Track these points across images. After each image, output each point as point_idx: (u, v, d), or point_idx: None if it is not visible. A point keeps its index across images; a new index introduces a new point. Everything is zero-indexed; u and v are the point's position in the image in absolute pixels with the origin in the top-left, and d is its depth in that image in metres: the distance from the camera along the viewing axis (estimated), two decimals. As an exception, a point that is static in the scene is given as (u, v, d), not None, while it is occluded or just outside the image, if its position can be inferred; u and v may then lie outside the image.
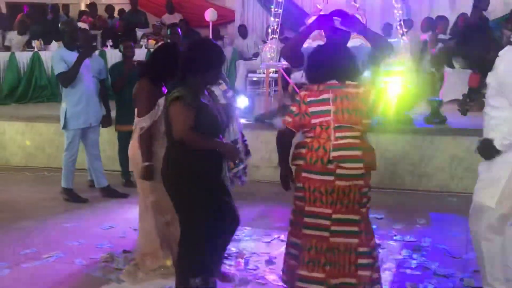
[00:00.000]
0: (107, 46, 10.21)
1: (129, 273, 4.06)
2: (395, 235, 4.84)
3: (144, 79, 4.04)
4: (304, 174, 3.28)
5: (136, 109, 4.04)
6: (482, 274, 3.44)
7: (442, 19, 9.26)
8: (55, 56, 5.91)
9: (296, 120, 3.29)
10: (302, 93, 3.35)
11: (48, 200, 6.15)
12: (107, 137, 6.97)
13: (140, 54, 9.34)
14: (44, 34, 10.50)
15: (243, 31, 10.78)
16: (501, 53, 3.24)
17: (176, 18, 11.35)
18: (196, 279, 3.29)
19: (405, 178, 6.31)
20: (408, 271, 4.09)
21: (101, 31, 11.13)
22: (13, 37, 10.81)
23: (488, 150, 3.29)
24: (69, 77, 5.69)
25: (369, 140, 3.33)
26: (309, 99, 3.27)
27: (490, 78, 3.27)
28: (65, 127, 5.88)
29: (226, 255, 4.34)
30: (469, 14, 9.32)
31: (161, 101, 3.80)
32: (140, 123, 3.95)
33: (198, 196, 3.28)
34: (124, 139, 6.26)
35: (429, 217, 5.36)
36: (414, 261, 4.25)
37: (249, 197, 5.86)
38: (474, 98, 3.58)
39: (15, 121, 8.08)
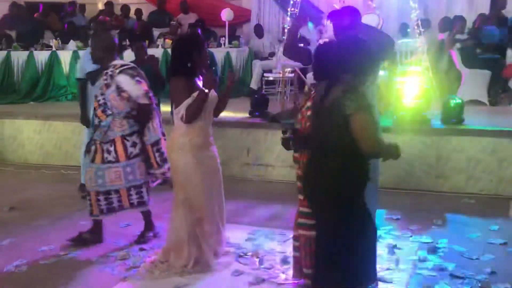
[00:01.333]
0: (123, 45, 10.27)
1: (146, 270, 4.10)
2: (411, 236, 4.82)
3: (175, 77, 4.09)
4: None
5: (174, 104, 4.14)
6: None
7: (460, 19, 9.19)
8: (86, 56, 5.87)
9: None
10: (313, 93, 3.41)
11: (65, 198, 6.21)
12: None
13: (156, 53, 9.37)
14: (31, 33, 10.61)
15: (259, 31, 10.77)
16: None
17: (191, 17, 11.37)
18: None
19: (422, 179, 6.27)
20: (425, 272, 4.07)
21: (118, 30, 11.19)
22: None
23: None
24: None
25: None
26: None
27: None
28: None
29: (242, 254, 4.37)
30: (487, 13, 9.26)
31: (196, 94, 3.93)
32: (178, 114, 4.01)
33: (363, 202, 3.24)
34: None
35: (446, 218, 5.33)
36: (430, 262, 4.23)
37: (264, 197, 5.87)
38: (507, 89, 3.52)
39: (33, 119, 8.16)
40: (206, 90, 3.92)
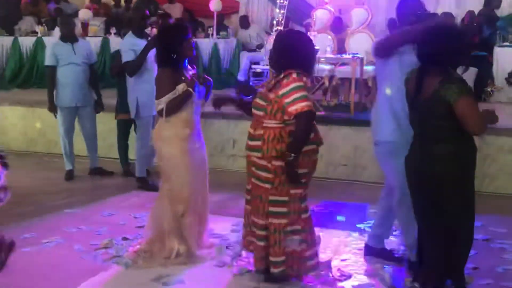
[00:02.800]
0: (110, 33, 10.21)
1: (129, 259, 4.08)
2: (395, 231, 4.84)
3: (161, 68, 4.10)
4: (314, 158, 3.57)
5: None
6: None
7: (447, 15, 9.21)
8: (124, 44, 5.87)
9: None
10: (304, 79, 3.47)
11: (48, 185, 6.17)
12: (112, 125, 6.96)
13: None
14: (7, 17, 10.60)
15: (244, 22, 10.68)
16: None
17: (176, 7, 11.32)
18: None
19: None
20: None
21: (105, 18, 11.11)
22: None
23: None
24: (136, 66, 5.61)
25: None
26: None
27: None
28: (138, 116, 5.84)
29: (226, 245, 4.37)
30: (476, 11, 9.28)
31: (180, 87, 3.93)
32: (158, 106, 4.01)
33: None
34: (123, 127, 6.35)
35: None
36: (412, 255, 4.24)
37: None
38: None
39: (17, 105, 8.08)
40: (190, 88, 3.93)
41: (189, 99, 3.99)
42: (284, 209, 3.53)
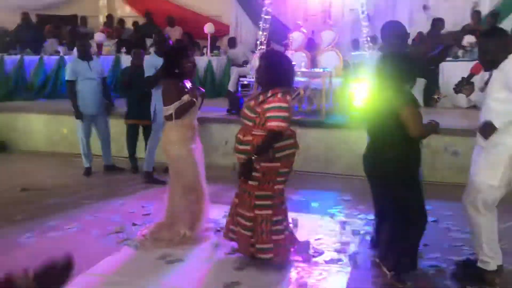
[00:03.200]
0: (121, 52, 10.14)
1: (137, 242, 4.05)
2: (359, 214, 4.86)
3: (166, 80, 4.13)
4: (292, 160, 3.52)
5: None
6: (478, 245, 3.38)
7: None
8: (147, 63, 5.87)
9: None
10: (288, 98, 3.40)
11: (70, 181, 6.10)
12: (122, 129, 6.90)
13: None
14: (33, 40, 10.50)
15: (232, 43, 10.68)
16: (510, 56, 3.20)
17: (176, 30, 11.25)
18: None
19: (369, 167, 6.30)
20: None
21: (117, 40, 11.02)
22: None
23: (487, 129, 3.23)
24: (153, 81, 5.58)
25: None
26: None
27: (498, 74, 3.22)
28: (154, 119, 5.78)
29: (220, 228, 4.34)
30: (425, 31, 9.33)
31: (185, 97, 3.96)
32: (167, 111, 4.03)
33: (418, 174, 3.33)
34: (131, 130, 6.33)
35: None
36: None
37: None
38: (470, 83, 3.56)
39: (42, 114, 8.00)
40: (194, 99, 3.97)
41: (192, 107, 4.00)
42: (269, 202, 3.51)
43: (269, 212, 3.51)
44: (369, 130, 3.45)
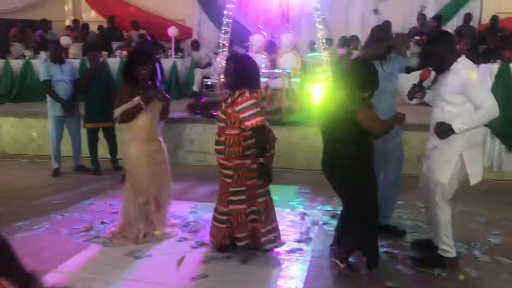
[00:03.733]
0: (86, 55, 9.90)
1: (106, 239, 3.98)
2: (317, 206, 4.92)
3: (123, 84, 4.00)
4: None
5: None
6: (438, 234, 3.47)
7: (355, 38, 9.42)
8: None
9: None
10: (255, 94, 3.44)
11: (38, 182, 5.93)
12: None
13: (115, 63, 9.13)
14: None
15: (195, 45, 10.59)
16: (459, 59, 3.25)
17: (136, 34, 11.10)
18: None
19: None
20: (328, 232, 4.16)
21: (82, 43, 10.76)
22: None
23: (446, 132, 3.29)
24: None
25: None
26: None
27: (451, 78, 3.26)
28: None
29: (186, 223, 4.32)
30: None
31: (135, 99, 3.81)
32: (115, 114, 3.91)
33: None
34: (91, 134, 6.17)
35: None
36: (331, 225, 4.30)
37: (204, 178, 5.83)
38: (422, 88, 3.62)
39: (10, 116, 7.73)
40: (142, 103, 3.81)
41: (140, 110, 3.84)
42: (243, 197, 3.53)
43: (243, 206, 3.54)
44: (324, 129, 3.44)
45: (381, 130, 3.24)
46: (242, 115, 3.39)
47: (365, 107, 3.18)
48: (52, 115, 6.21)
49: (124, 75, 3.97)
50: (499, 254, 3.73)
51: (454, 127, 3.25)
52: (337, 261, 3.37)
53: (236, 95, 3.43)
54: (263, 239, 3.65)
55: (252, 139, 3.44)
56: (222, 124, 3.51)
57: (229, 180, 3.53)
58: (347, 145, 3.23)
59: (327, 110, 3.41)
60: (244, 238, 3.60)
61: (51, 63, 6.13)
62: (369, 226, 3.34)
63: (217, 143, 3.55)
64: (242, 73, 3.45)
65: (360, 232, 3.35)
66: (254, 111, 3.38)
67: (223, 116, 3.48)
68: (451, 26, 9.76)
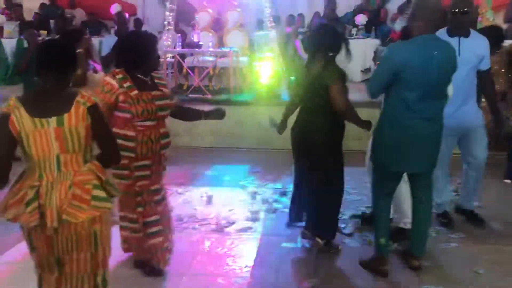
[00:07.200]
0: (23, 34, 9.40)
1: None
2: (267, 184, 4.98)
3: None
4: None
5: None
6: (401, 211, 3.54)
7: (301, 16, 9.47)
8: (105, 42, 5.47)
9: None
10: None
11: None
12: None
13: (54, 42, 8.71)
14: None
15: (137, 23, 10.23)
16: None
17: (77, 12, 10.65)
18: None
19: (275, 140, 6.41)
20: (278, 209, 4.25)
21: (18, 22, 10.18)
22: None
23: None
24: (106, 61, 5.27)
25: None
26: None
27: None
28: None
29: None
30: (322, 12, 9.60)
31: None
32: None
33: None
34: None
35: (292, 169, 5.53)
36: (282, 203, 4.40)
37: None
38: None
39: None
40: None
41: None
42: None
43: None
44: (300, 102, 3.42)
45: (345, 108, 3.17)
46: None
47: (339, 79, 3.17)
48: None
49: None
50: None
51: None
52: (318, 238, 3.43)
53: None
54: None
55: None
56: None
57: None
58: (321, 117, 3.25)
59: (302, 84, 3.39)
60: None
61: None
62: (338, 197, 3.40)
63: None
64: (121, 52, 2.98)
65: (333, 204, 3.40)
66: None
67: None
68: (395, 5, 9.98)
